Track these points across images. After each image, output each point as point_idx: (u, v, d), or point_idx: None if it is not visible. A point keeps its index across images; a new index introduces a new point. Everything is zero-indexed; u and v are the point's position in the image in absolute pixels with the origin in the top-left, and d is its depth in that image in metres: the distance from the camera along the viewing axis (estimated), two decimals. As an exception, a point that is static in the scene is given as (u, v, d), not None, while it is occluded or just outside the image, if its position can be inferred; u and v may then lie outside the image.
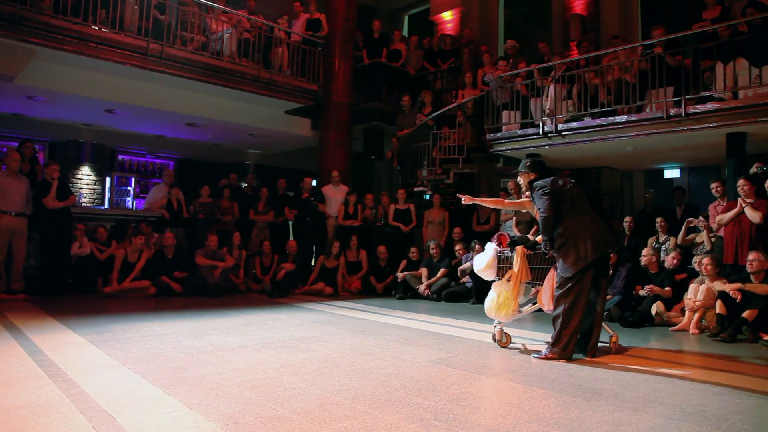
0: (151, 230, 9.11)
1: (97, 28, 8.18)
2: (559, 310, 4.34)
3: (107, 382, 3.39)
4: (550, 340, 4.43)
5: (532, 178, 4.67)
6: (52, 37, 7.79)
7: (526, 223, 8.27)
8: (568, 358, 4.28)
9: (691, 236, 7.16)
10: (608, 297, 6.46)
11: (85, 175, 12.34)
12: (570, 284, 4.31)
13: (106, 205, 12.25)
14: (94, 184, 12.47)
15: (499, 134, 9.31)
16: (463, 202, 5.15)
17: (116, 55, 8.41)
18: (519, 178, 4.94)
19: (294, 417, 2.82)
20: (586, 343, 4.43)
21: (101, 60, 8.35)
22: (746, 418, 2.97)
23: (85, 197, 12.06)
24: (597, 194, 10.08)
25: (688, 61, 7.34)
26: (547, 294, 4.54)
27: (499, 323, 4.79)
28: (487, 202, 5.59)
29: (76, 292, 8.04)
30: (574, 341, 4.34)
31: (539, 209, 4.45)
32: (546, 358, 4.31)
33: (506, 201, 5.72)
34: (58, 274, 7.78)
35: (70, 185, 11.48)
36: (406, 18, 15.42)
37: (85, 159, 12.35)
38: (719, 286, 5.76)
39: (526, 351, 4.70)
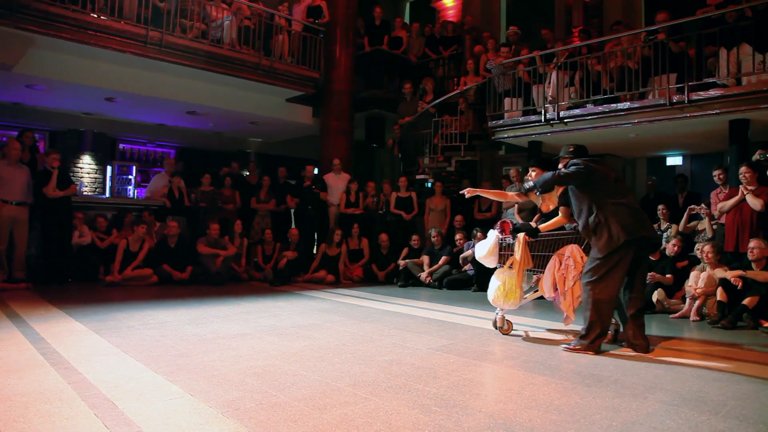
0: (153, 219, 9.12)
1: (95, 15, 8.13)
2: (589, 298, 4.12)
3: (109, 370, 3.41)
4: (580, 330, 4.24)
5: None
6: (51, 25, 7.75)
7: (529, 210, 8.24)
8: (597, 352, 4.10)
9: (692, 224, 7.14)
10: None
11: (86, 164, 12.34)
12: (602, 268, 4.10)
13: (107, 194, 12.25)
14: (95, 173, 12.47)
15: (501, 121, 9.27)
16: (466, 196, 5.10)
17: (116, 43, 8.37)
18: (531, 172, 4.90)
19: (295, 403, 2.84)
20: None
21: (100, 48, 8.31)
22: (745, 404, 2.97)
23: (86, 186, 12.06)
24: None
25: (691, 51, 7.28)
26: (548, 281, 4.54)
27: (501, 310, 4.80)
28: (490, 194, 5.53)
29: (78, 281, 8.06)
30: (603, 334, 4.16)
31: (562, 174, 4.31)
32: (573, 350, 4.13)
33: (509, 194, 5.66)
34: (59, 263, 7.79)
35: (71, 174, 11.47)
36: (408, 5, 15.31)
37: (86, 148, 12.34)
38: (720, 273, 5.75)
39: (527, 338, 4.71)
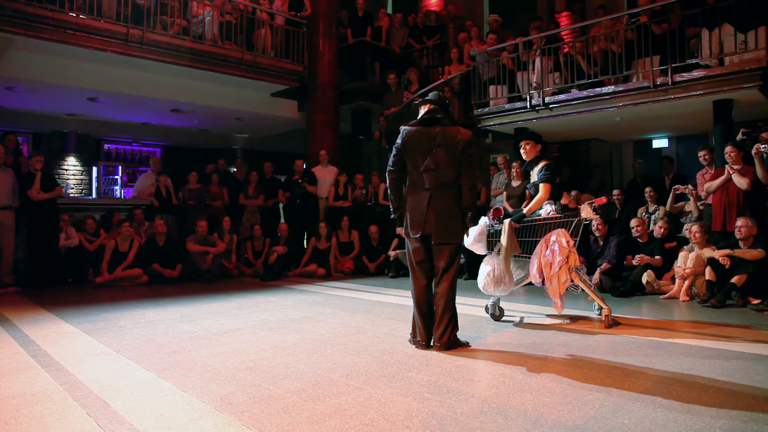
0: (142, 218, 9.06)
1: (74, 14, 8.01)
2: None
3: (100, 369, 3.39)
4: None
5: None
6: (29, 26, 7.62)
7: (517, 197, 8.26)
8: None
9: (680, 204, 7.20)
10: (604, 266, 6.53)
11: (71, 165, 12.22)
12: None
13: (94, 195, 12.14)
14: (81, 175, 12.36)
15: (486, 109, 9.28)
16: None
17: (96, 41, 8.26)
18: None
19: (288, 395, 2.83)
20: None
21: (81, 47, 8.19)
22: (734, 380, 3.01)
23: (72, 188, 11.96)
24: (587, 166, 10.11)
25: (674, 25, 7.30)
26: (535, 266, 4.54)
27: (493, 296, 4.81)
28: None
29: (68, 284, 8.00)
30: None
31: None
32: None
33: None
34: (47, 266, 7.71)
35: (56, 176, 11.36)
36: (390, -5, 15.25)
37: (71, 149, 12.23)
38: (708, 252, 5.80)
39: (520, 324, 4.73)
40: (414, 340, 3.94)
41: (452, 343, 3.81)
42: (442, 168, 3.82)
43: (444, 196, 3.84)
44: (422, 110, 4.05)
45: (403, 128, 4.00)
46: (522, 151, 4.98)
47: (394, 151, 4.00)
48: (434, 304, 3.87)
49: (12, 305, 6.03)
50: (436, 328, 3.84)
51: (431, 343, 3.86)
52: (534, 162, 4.92)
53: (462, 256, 8.25)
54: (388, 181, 4.06)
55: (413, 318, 3.95)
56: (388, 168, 4.03)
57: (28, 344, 4.11)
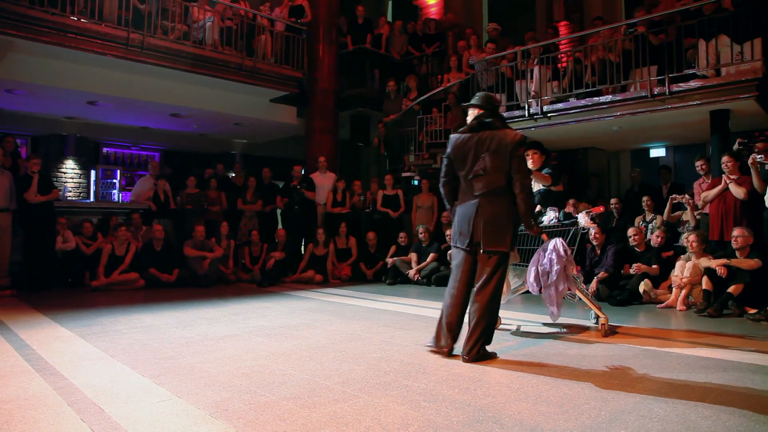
0: (140, 222, 9.05)
1: (75, 18, 8.05)
2: None
3: (95, 374, 3.37)
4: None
5: None
6: (30, 29, 7.65)
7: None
8: None
9: (677, 213, 7.22)
10: (601, 275, 6.53)
11: (70, 168, 12.20)
12: None
13: (92, 199, 12.12)
14: (79, 178, 12.33)
15: (485, 117, 9.27)
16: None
17: (96, 45, 8.29)
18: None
19: (283, 402, 2.82)
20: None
21: (81, 51, 8.22)
22: (731, 390, 3.01)
23: (70, 191, 11.94)
24: (584, 175, 10.12)
25: (671, 36, 7.35)
26: (532, 275, 4.54)
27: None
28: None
29: (64, 287, 7.98)
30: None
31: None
32: None
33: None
34: (43, 269, 7.69)
35: (54, 179, 11.35)
36: (390, 3, 15.31)
37: (69, 152, 12.21)
38: (705, 262, 5.81)
39: (517, 332, 4.73)
40: (438, 345, 3.82)
41: (481, 356, 3.66)
42: (491, 173, 3.69)
43: (493, 203, 3.71)
44: (469, 116, 3.97)
45: (451, 136, 3.94)
46: (530, 160, 4.99)
47: (444, 161, 3.94)
48: (470, 313, 3.73)
49: (7, 308, 6.00)
50: (467, 339, 3.68)
51: (452, 352, 3.77)
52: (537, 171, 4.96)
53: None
54: (442, 193, 4.01)
55: (439, 325, 3.84)
56: (441, 179, 3.97)
57: (23, 348, 4.09)
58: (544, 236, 4.50)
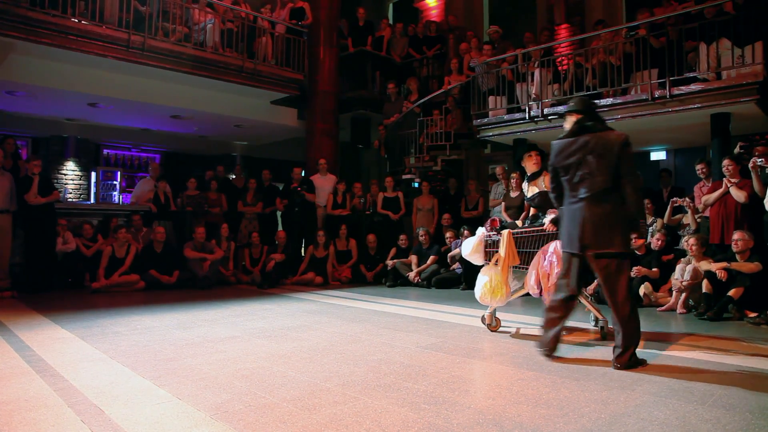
0: (141, 224, 9.05)
1: (76, 20, 8.07)
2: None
3: (96, 376, 3.37)
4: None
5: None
6: (31, 31, 7.67)
7: (516, 208, 8.28)
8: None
9: (677, 216, 7.21)
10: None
11: (70, 170, 12.21)
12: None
13: (92, 200, 12.13)
14: (80, 180, 12.35)
15: (485, 120, 9.30)
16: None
17: (97, 47, 8.30)
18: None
19: (284, 404, 2.82)
20: None
21: (82, 53, 8.24)
22: (731, 394, 3.01)
23: (70, 193, 11.95)
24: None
25: (672, 39, 7.35)
26: (532, 277, 4.54)
27: (490, 307, 4.81)
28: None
29: (64, 289, 7.98)
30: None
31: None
32: None
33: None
34: (44, 270, 7.69)
35: (55, 181, 11.36)
36: (391, 5, 15.33)
37: (70, 154, 12.22)
38: (705, 265, 5.81)
39: (516, 335, 4.73)
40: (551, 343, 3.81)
41: (633, 363, 3.54)
42: (596, 176, 3.62)
43: (600, 204, 3.62)
44: (567, 122, 3.92)
45: (552, 143, 3.91)
46: (533, 162, 5.02)
47: (551, 173, 3.92)
48: (612, 324, 3.66)
49: (8, 310, 6.00)
50: (615, 346, 3.58)
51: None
52: (536, 175, 4.96)
53: (459, 267, 8.29)
54: (552, 198, 4.04)
55: (546, 326, 3.85)
56: (550, 195, 4.00)
57: (23, 349, 4.09)
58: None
